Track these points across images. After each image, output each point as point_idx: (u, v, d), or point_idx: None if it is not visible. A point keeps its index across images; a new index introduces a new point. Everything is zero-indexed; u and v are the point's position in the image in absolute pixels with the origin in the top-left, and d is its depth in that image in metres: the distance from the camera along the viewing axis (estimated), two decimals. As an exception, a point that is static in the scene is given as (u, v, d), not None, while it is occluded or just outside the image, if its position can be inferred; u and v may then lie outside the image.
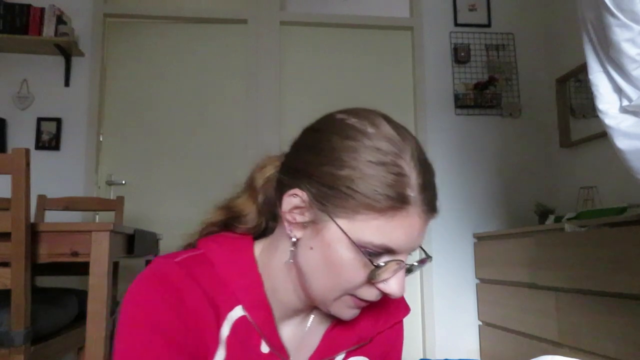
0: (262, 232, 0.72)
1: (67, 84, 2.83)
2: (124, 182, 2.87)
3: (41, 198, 2.33)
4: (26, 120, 2.77)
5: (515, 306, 2.39)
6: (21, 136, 2.76)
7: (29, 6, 2.71)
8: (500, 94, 3.09)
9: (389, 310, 0.74)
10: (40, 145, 2.75)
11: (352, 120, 0.62)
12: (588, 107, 2.73)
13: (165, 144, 2.92)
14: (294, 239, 0.60)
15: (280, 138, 2.99)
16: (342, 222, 0.56)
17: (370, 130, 0.60)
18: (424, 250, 0.64)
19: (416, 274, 2.90)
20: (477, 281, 2.90)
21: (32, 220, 1.34)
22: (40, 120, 2.78)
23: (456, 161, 3.05)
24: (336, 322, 0.69)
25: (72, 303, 1.69)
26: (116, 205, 2.41)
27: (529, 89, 3.15)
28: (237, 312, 0.62)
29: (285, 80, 3.06)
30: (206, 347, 0.60)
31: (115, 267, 2.12)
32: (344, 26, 3.16)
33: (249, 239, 0.69)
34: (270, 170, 0.71)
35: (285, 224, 0.61)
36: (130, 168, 2.89)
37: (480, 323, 2.86)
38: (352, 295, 0.59)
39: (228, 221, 0.72)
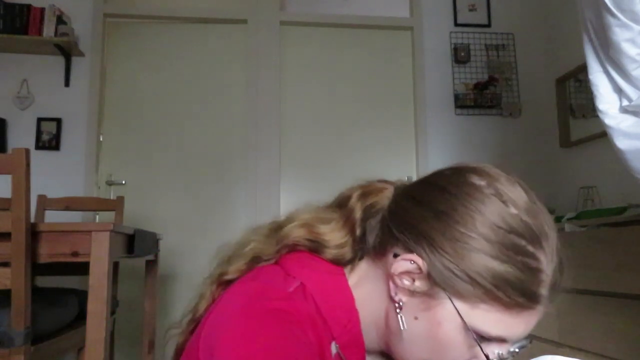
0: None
1: (67, 84, 2.83)
2: (124, 182, 2.87)
3: (41, 198, 2.32)
4: (26, 120, 2.77)
5: (515, 306, 2.38)
6: (21, 136, 2.76)
7: (29, 6, 2.71)
8: (500, 94, 3.09)
9: None
10: (40, 145, 2.75)
11: (490, 191, 0.55)
12: (588, 107, 2.73)
13: (165, 144, 2.93)
14: (398, 303, 0.56)
15: (280, 138, 2.99)
16: (460, 305, 0.52)
17: (512, 210, 0.54)
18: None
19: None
20: (477, 281, 2.90)
21: (32, 220, 1.34)
22: (40, 120, 2.78)
23: (456, 161, 3.03)
24: None
25: (72, 303, 1.69)
26: (116, 205, 2.41)
27: (529, 89, 3.15)
28: (332, 349, 0.58)
29: (285, 80, 3.06)
30: None
31: (115, 267, 2.13)
32: (344, 26, 3.16)
33: (342, 273, 0.62)
34: (374, 202, 0.64)
35: (390, 284, 0.57)
36: (130, 168, 2.89)
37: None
38: None
39: (311, 244, 0.63)
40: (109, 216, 2.53)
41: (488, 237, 0.52)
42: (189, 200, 2.88)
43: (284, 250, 0.63)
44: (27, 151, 1.28)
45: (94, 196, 2.74)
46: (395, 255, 0.56)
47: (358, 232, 0.63)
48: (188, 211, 2.88)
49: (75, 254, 1.39)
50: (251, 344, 0.49)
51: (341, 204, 0.67)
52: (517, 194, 0.56)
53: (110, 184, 2.87)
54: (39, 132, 2.77)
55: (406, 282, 0.55)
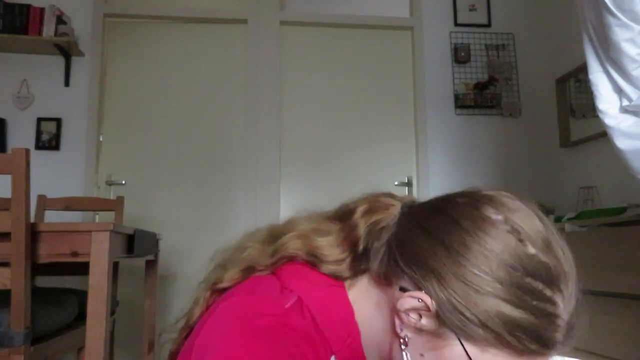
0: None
1: (67, 84, 2.83)
2: (124, 182, 2.87)
3: (41, 198, 2.32)
4: (26, 120, 2.77)
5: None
6: (21, 136, 2.76)
7: (29, 6, 2.71)
8: (500, 94, 3.09)
9: None
10: (40, 145, 2.75)
11: (507, 227, 0.51)
12: (588, 107, 2.73)
13: (165, 144, 2.93)
14: (403, 338, 0.54)
15: (280, 138, 2.99)
16: (470, 348, 0.50)
17: (529, 250, 0.50)
18: None
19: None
20: (477, 281, 2.90)
21: (32, 220, 1.34)
22: (40, 120, 2.78)
23: (456, 161, 3.05)
24: None
25: (72, 303, 1.69)
26: (116, 205, 2.41)
27: (529, 89, 3.15)
28: None
29: (285, 80, 3.06)
30: None
31: (115, 267, 2.13)
32: (344, 26, 3.16)
33: (342, 286, 0.60)
34: (378, 219, 0.61)
35: (396, 320, 0.55)
36: (130, 168, 2.89)
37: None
38: None
39: (308, 257, 0.61)
40: (109, 216, 2.53)
41: (502, 280, 0.49)
42: (189, 200, 2.88)
43: (281, 262, 0.61)
44: (27, 151, 1.28)
45: (94, 196, 2.74)
46: (402, 289, 0.54)
47: (360, 249, 0.60)
48: (188, 211, 2.88)
49: (75, 254, 1.39)
50: None
51: (344, 217, 0.64)
52: (535, 229, 0.52)
53: (110, 184, 2.87)
54: (38, 132, 2.77)
55: (413, 318, 0.53)
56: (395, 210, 0.61)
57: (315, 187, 2.98)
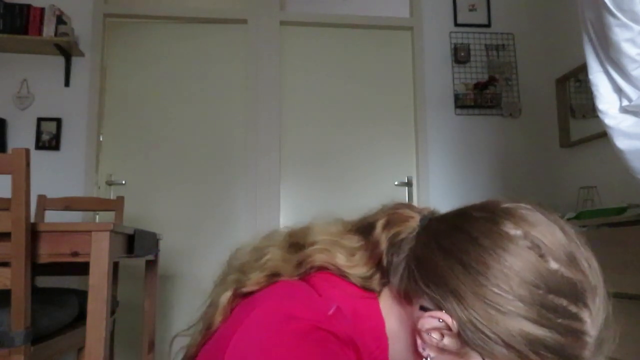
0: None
1: (67, 84, 2.83)
2: (124, 182, 2.87)
3: (41, 198, 2.32)
4: (26, 120, 2.77)
5: (515, 306, 2.38)
6: (21, 136, 2.76)
7: (29, 6, 2.71)
8: (500, 94, 3.09)
9: None
10: (40, 145, 2.75)
11: (527, 243, 0.50)
12: (588, 107, 2.73)
13: (165, 144, 2.93)
14: (426, 358, 0.53)
15: (280, 138, 2.99)
16: None
17: (551, 265, 0.49)
18: None
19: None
20: (477, 281, 2.90)
21: (32, 220, 1.34)
22: (40, 120, 2.78)
23: (456, 161, 3.05)
24: None
25: (72, 303, 1.69)
26: (116, 205, 2.41)
27: (529, 89, 3.15)
28: None
29: (285, 80, 3.06)
30: None
31: (115, 267, 2.12)
32: (344, 26, 3.16)
33: (375, 297, 0.60)
34: (397, 231, 0.60)
35: (418, 339, 0.54)
36: (130, 168, 2.89)
37: (480, 323, 2.85)
38: None
39: (336, 270, 0.60)
40: (109, 216, 2.53)
41: (524, 299, 0.48)
42: (189, 200, 2.88)
43: (310, 271, 0.60)
44: (27, 151, 1.28)
45: (94, 196, 2.74)
46: (423, 309, 0.53)
47: (384, 263, 0.60)
48: (188, 211, 2.88)
49: (75, 254, 1.39)
50: None
51: (365, 232, 0.63)
52: (557, 243, 0.50)
53: (110, 184, 2.87)
54: (39, 132, 2.77)
55: (434, 338, 0.52)
56: (415, 222, 0.60)
57: (315, 187, 2.98)
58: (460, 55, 3.10)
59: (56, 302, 1.61)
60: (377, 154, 3.04)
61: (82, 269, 1.41)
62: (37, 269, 1.43)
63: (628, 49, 1.20)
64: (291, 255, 0.62)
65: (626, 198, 2.15)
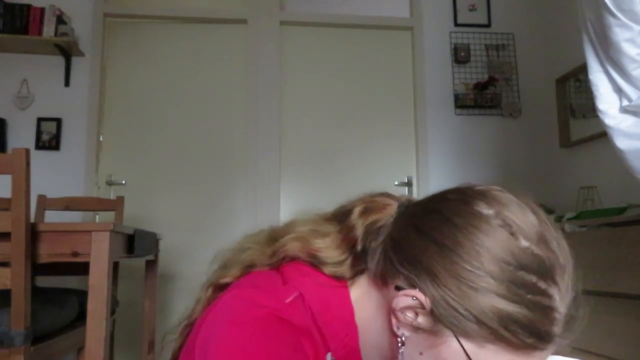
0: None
1: (67, 84, 2.83)
2: (124, 182, 2.87)
3: (41, 198, 2.33)
4: (26, 120, 2.77)
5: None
6: (21, 136, 2.76)
7: (29, 6, 2.71)
8: (500, 94, 3.09)
9: None
10: (40, 145, 2.75)
11: (498, 222, 0.51)
12: (588, 107, 2.73)
13: (165, 144, 2.93)
14: (400, 337, 0.54)
15: (280, 138, 2.99)
16: (467, 345, 0.50)
17: (522, 243, 0.50)
18: None
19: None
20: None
21: (32, 220, 1.34)
22: (40, 120, 2.78)
23: (456, 161, 3.05)
24: None
25: (72, 303, 1.69)
26: (116, 205, 2.41)
27: (529, 89, 3.15)
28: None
29: (285, 80, 3.06)
30: None
31: (115, 267, 2.12)
32: (344, 26, 3.16)
33: (345, 286, 0.60)
34: (375, 219, 0.61)
35: (393, 319, 0.55)
36: (130, 168, 2.89)
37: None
38: None
39: (308, 258, 0.61)
40: (109, 216, 2.53)
41: (495, 275, 0.49)
42: (189, 200, 2.88)
43: (283, 261, 0.62)
44: (27, 151, 1.28)
45: (94, 196, 2.74)
46: (397, 289, 0.54)
47: (358, 249, 0.60)
48: (188, 211, 2.88)
49: (75, 254, 1.39)
50: (246, 352, 0.49)
51: (341, 218, 0.64)
52: (528, 222, 0.52)
53: (110, 184, 2.87)
54: (39, 132, 2.77)
55: (409, 316, 0.53)
56: (392, 209, 0.61)
57: (315, 187, 2.98)
58: (460, 55, 3.10)
59: (56, 302, 1.61)
60: (377, 154, 3.04)
61: (82, 269, 1.41)
62: (37, 269, 1.43)
63: (628, 49, 1.20)
64: (268, 248, 0.64)
65: (626, 198, 2.15)
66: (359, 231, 0.61)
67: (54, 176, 2.70)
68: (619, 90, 1.28)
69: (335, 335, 0.57)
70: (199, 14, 3.08)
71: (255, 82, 3.02)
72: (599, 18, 1.24)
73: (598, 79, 1.32)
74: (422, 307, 0.51)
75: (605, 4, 1.18)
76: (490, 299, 0.48)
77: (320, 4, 3.29)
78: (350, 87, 3.09)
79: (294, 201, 2.95)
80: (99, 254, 1.38)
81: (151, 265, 2.19)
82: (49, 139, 2.77)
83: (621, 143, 1.25)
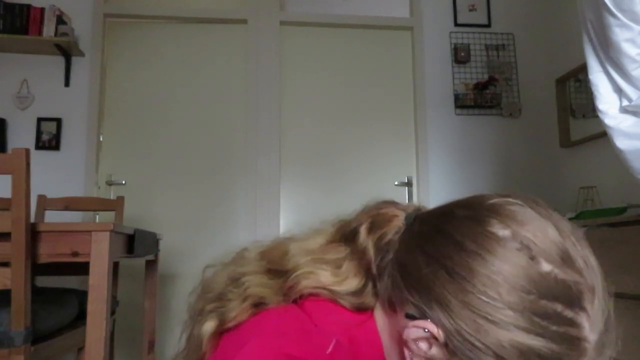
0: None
1: (67, 84, 2.83)
2: (124, 182, 2.87)
3: (41, 198, 2.32)
4: (26, 120, 2.77)
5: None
6: (21, 136, 2.76)
7: (29, 6, 2.71)
8: (500, 94, 3.09)
9: None
10: (40, 145, 2.75)
11: (516, 245, 0.46)
12: (588, 107, 2.73)
13: (165, 144, 2.93)
14: None
15: (280, 138, 2.99)
16: None
17: (543, 268, 0.45)
18: None
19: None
20: (477, 281, 2.90)
21: (32, 220, 1.34)
22: (40, 120, 2.77)
23: (456, 161, 3.05)
24: None
25: (72, 303, 1.69)
26: (116, 205, 2.41)
27: (529, 89, 3.15)
28: None
29: (285, 80, 3.06)
30: None
31: (115, 267, 2.12)
32: (344, 26, 3.16)
33: (371, 317, 0.56)
34: (382, 233, 0.57)
35: (405, 350, 0.51)
36: (130, 168, 2.89)
37: (480, 323, 2.85)
38: None
39: (327, 294, 0.55)
40: (109, 216, 2.53)
41: (514, 306, 0.44)
42: (189, 200, 2.88)
43: (299, 300, 0.56)
44: (27, 151, 1.28)
45: (94, 196, 2.74)
46: (408, 317, 0.50)
47: (374, 271, 0.55)
48: (188, 211, 2.88)
49: (75, 254, 1.39)
50: None
51: (348, 238, 0.59)
52: (549, 241, 0.46)
53: (110, 184, 2.87)
54: (39, 132, 2.77)
55: (422, 347, 0.49)
56: (399, 221, 0.57)
57: (315, 187, 2.98)
58: (460, 55, 3.10)
59: (56, 302, 1.61)
60: (377, 154, 3.04)
61: (82, 269, 1.41)
62: (37, 269, 1.43)
63: (628, 49, 1.20)
64: (272, 281, 0.57)
65: (626, 198, 2.15)
66: (371, 252, 0.56)
67: (54, 176, 2.70)
68: (619, 90, 1.28)
69: None
70: (199, 14, 3.08)
71: (255, 82, 3.02)
72: (599, 18, 1.23)
73: (598, 79, 1.32)
74: (435, 338, 0.47)
75: (605, 4, 1.18)
76: (510, 333, 0.43)
77: (320, 4, 3.28)
78: (350, 87, 3.09)
79: (294, 201, 2.95)
80: (99, 254, 1.38)
81: (151, 265, 2.19)
82: (49, 139, 2.77)
83: (621, 143, 1.25)
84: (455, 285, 0.46)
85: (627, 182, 1.54)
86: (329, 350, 0.49)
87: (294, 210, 2.93)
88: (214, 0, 3.29)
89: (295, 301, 0.56)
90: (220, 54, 3.05)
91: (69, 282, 2.23)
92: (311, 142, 3.02)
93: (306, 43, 3.14)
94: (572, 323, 0.44)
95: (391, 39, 3.20)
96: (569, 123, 2.94)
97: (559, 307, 0.44)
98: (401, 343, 0.51)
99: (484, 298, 0.45)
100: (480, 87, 3.07)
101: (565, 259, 0.46)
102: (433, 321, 0.47)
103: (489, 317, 0.44)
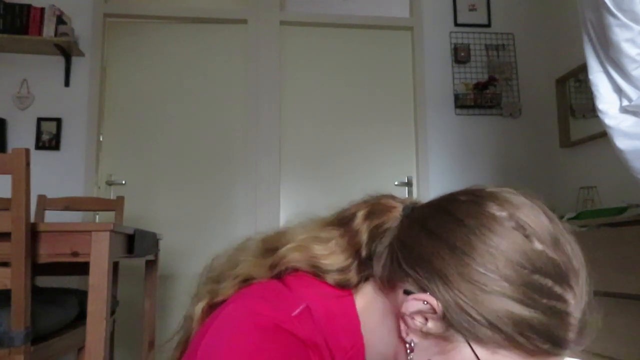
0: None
1: (67, 84, 2.83)
2: (124, 182, 2.87)
3: (41, 198, 2.32)
4: (26, 120, 2.77)
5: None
6: (21, 136, 2.76)
7: (29, 6, 2.71)
8: (500, 94, 3.09)
9: None
10: (40, 145, 2.75)
11: (512, 224, 0.50)
12: (588, 107, 2.73)
13: (165, 144, 2.93)
14: (409, 343, 0.52)
15: (280, 138, 2.99)
16: (480, 351, 0.48)
17: (536, 246, 0.49)
18: None
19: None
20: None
21: (32, 220, 1.34)
22: (40, 120, 2.78)
23: (456, 161, 3.05)
24: None
25: (72, 303, 1.69)
26: (116, 205, 2.41)
27: (529, 89, 3.15)
28: None
29: (285, 80, 3.06)
30: None
31: (115, 267, 2.13)
32: (344, 26, 3.16)
33: (349, 295, 0.58)
34: (380, 222, 0.60)
35: (401, 324, 0.53)
36: (130, 168, 2.89)
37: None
38: None
39: (310, 269, 0.59)
40: (109, 216, 2.53)
41: (509, 278, 0.47)
42: (189, 200, 2.88)
43: (284, 273, 0.59)
44: (27, 151, 1.28)
45: (94, 196, 2.74)
46: (406, 292, 0.52)
47: (364, 254, 0.59)
48: (188, 211, 2.88)
49: (75, 254, 1.39)
50: None
51: (344, 222, 0.62)
52: (541, 225, 0.50)
53: (110, 184, 2.87)
54: (39, 132, 2.77)
55: (418, 322, 0.51)
56: (397, 212, 0.60)
57: (315, 187, 2.98)
58: (460, 55, 3.10)
59: (56, 302, 1.61)
60: (377, 154, 3.04)
61: (82, 269, 1.41)
62: (37, 269, 1.43)
63: (628, 49, 1.20)
64: (265, 259, 0.61)
65: (626, 198, 2.15)
66: (364, 236, 0.59)
67: (54, 176, 2.70)
68: (619, 90, 1.28)
69: (342, 347, 0.56)
70: (199, 14, 3.08)
71: (255, 82, 3.02)
72: (599, 18, 1.23)
73: (598, 79, 1.32)
74: (433, 311, 0.50)
75: (605, 4, 1.18)
76: (505, 303, 0.47)
77: (320, 4, 3.29)
78: (350, 87, 3.09)
79: (294, 201, 2.95)
80: (99, 254, 1.38)
81: (151, 265, 2.19)
82: (49, 139, 2.77)
83: (621, 143, 1.25)
84: (456, 259, 0.49)
85: (627, 182, 1.54)
86: (295, 312, 0.52)
87: (294, 210, 2.93)
88: (213, 0, 3.30)
89: (279, 276, 0.59)
90: (220, 54, 3.06)
91: (69, 282, 2.24)
92: (311, 142, 3.02)
93: (306, 43, 3.14)
94: (561, 298, 0.48)
95: (391, 39, 3.20)
96: (569, 123, 2.94)
97: (549, 282, 0.48)
98: (397, 320, 0.54)
99: (482, 270, 0.48)
100: (480, 87, 3.07)
101: (555, 242, 0.50)
102: (432, 294, 0.49)
103: (486, 288, 0.47)
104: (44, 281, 2.16)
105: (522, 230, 0.49)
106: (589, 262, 0.52)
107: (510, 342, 0.47)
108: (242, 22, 3.08)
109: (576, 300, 0.48)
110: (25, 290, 1.28)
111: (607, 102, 1.30)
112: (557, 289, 0.48)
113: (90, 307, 1.37)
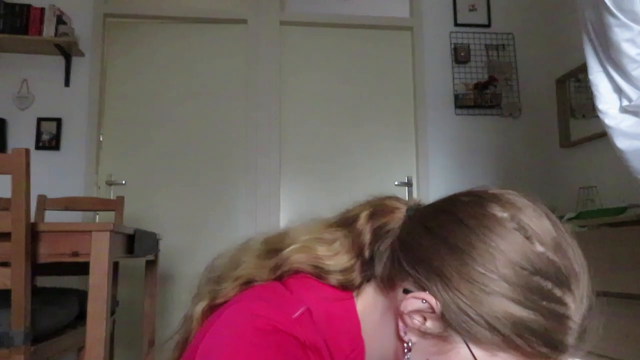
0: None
1: (67, 84, 2.83)
2: (124, 182, 2.87)
3: (41, 198, 2.32)
4: (26, 120, 2.77)
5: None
6: (21, 136, 2.76)
7: (29, 6, 2.71)
8: (500, 94, 3.09)
9: None
10: (40, 145, 2.75)
11: (513, 225, 0.50)
12: (588, 107, 2.73)
13: (165, 144, 2.93)
14: (407, 343, 0.52)
15: (280, 138, 2.99)
16: (478, 352, 0.48)
17: (537, 248, 0.48)
18: None
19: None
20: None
21: (32, 220, 1.34)
22: (40, 120, 2.78)
23: (456, 161, 3.05)
24: None
25: (72, 303, 1.69)
26: (116, 205, 2.41)
27: (529, 89, 3.15)
28: None
29: (285, 80, 3.06)
30: None
31: (115, 267, 2.12)
32: (344, 26, 3.16)
33: (350, 297, 0.58)
34: (383, 222, 0.59)
35: (400, 323, 0.53)
36: (130, 168, 2.89)
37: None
38: None
39: (313, 270, 0.59)
40: (109, 216, 2.53)
41: (510, 279, 0.47)
42: (189, 201, 2.88)
43: (286, 275, 0.59)
44: (27, 151, 1.27)
45: (94, 196, 2.74)
46: (406, 291, 0.52)
47: (366, 255, 0.58)
48: (188, 211, 2.88)
49: (75, 254, 1.39)
50: None
51: (347, 223, 0.62)
52: (543, 227, 0.50)
53: (110, 184, 2.87)
54: (39, 132, 2.77)
55: (417, 321, 0.51)
56: (401, 213, 0.60)
57: (315, 187, 2.98)
58: (460, 55, 3.10)
59: (56, 302, 1.61)
60: (377, 154, 3.04)
61: (82, 269, 1.41)
62: (37, 269, 1.43)
63: (628, 49, 1.20)
64: (267, 261, 0.60)
65: (626, 198, 2.15)
66: (367, 236, 0.59)
67: (54, 176, 2.70)
68: (619, 90, 1.28)
69: (342, 350, 0.55)
70: (199, 14, 3.08)
71: (255, 82, 3.02)
72: (599, 18, 1.23)
73: (598, 79, 1.32)
74: (432, 310, 0.49)
75: (605, 4, 1.18)
76: (504, 304, 0.46)
77: (320, 4, 3.29)
78: (350, 87, 3.09)
79: (294, 201, 2.95)
80: (99, 254, 1.38)
81: (151, 265, 2.19)
82: (49, 139, 2.77)
83: (621, 143, 1.25)
84: (455, 258, 0.49)
85: (627, 182, 1.54)
86: (296, 315, 0.52)
87: (294, 210, 2.93)
88: (213, 0, 3.30)
89: (280, 278, 0.59)
90: (220, 54, 3.05)
91: (69, 282, 2.23)
92: (311, 142, 3.02)
93: (306, 43, 3.14)
94: (560, 301, 0.47)
95: (391, 39, 3.20)
96: (569, 123, 2.94)
97: (549, 285, 0.47)
98: (396, 319, 0.54)
99: (481, 270, 0.48)
100: (480, 87, 3.08)
101: (557, 245, 0.49)
102: (432, 293, 0.49)
103: (486, 288, 0.47)
104: (44, 281, 2.16)
105: (523, 232, 0.49)
106: (588, 262, 0.52)
107: (509, 344, 0.47)
108: (242, 22, 3.08)
109: (576, 304, 0.48)
110: (25, 290, 1.28)
111: (607, 102, 1.30)
112: (557, 292, 0.47)
113: (90, 307, 1.37)
